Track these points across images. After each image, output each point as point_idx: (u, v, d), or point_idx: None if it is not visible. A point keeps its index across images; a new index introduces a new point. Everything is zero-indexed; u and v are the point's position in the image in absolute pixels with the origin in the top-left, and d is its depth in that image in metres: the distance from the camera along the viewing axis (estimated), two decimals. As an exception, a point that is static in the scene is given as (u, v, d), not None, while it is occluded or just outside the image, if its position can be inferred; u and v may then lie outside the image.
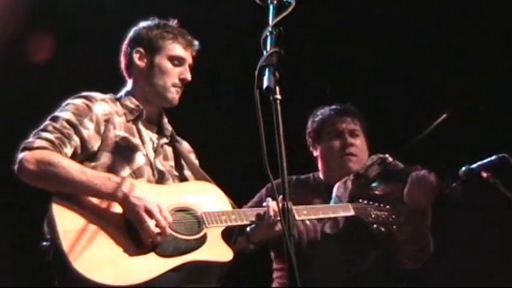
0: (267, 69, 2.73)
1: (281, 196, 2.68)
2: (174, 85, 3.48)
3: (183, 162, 3.58)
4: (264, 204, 3.49)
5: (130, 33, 3.57)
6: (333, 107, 4.29)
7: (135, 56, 3.50)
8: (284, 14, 2.82)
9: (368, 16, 5.50)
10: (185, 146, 3.69)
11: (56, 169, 3.14)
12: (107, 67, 5.15)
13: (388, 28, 5.51)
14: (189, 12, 3.60)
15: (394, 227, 3.82)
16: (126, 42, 3.57)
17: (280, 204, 2.68)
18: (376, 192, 3.97)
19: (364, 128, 4.27)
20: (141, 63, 3.50)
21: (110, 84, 3.60)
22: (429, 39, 5.48)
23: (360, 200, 3.83)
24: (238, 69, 3.47)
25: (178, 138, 3.66)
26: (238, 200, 3.61)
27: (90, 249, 3.05)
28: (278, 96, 2.72)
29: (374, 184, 3.97)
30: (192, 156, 3.68)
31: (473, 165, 3.94)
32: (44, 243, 3.13)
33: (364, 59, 5.57)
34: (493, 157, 3.89)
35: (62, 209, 3.11)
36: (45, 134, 3.24)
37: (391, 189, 3.98)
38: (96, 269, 3.01)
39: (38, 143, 3.20)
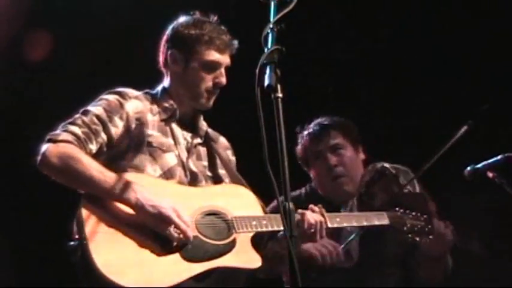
0: (268, 67, 2.69)
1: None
2: (207, 90, 3.41)
3: (218, 161, 3.51)
4: (299, 211, 3.39)
5: (169, 30, 3.50)
6: (310, 128, 4.12)
7: (170, 58, 3.45)
8: (285, 11, 2.78)
9: (371, 14, 5.49)
10: (222, 142, 3.62)
11: (76, 166, 3.09)
12: (106, 67, 5.24)
13: (391, 26, 5.51)
14: (189, 10, 3.54)
15: (430, 237, 3.71)
16: (164, 38, 3.50)
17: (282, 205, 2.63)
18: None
19: (349, 136, 4.10)
20: (175, 66, 3.45)
21: (110, 84, 3.55)
22: (436, 41, 5.46)
23: (397, 209, 3.71)
24: (238, 67, 3.42)
25: (216, 135, 3.60)
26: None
27: (116, 252, 3.01)
28: (279, 95, 2.68)
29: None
30: (229, 153, 3.62)
31: (479, 165, 3.91)
32: (71, 243, 3.09)
33: (367, 57, 5.55)
34: (499, 157, 3.87)
35: (90, 209, 3.07)
36: (72, 128, 3.20)
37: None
38: (122, 272, 2.97)
39: (64, 136, 3.16)
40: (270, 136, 2.62)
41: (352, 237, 3.80)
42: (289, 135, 2.69)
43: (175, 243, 3.08)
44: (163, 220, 3.07)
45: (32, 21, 5.03)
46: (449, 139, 3.92)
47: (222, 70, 3.42)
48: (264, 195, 3.35)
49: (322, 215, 3.42)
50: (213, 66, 3.40)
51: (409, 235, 3.68)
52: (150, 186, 3.15)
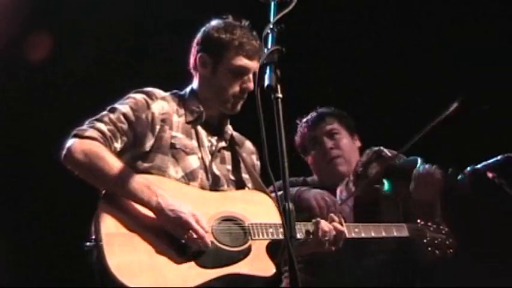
0: (268, 67, 2.69)
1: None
2: (234, 95, 3.40)
3: (241, 165, 3.50)
4: (313, 221, 3.41)
5: (200, 33, 3.49)
6: (308, 117, 4.25)
7: (199, 61, 3.45)
8: (285, 11, 2.78)
9: (370, 13, 5.49)
10: (247, 147, 3.62)
11: (100, 164, 3.10)
12: (106, 67, 5.24)
13: (391, 25, 5.49)
14: (189, 11, 3.54)
15: (451, 250, 3.74)
16: (195, 40, 3.51)
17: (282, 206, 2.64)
18: (383, 194, 3.92)
19: (344, 123, 4.21)
20: (204, 69, 3.44)
21: (110, 84, 3.55)
22: (432, 35, 5.47)
23: (418, 221, 3.75)
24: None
25: (242, 139, 3.60)
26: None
27: (131, 255, 3.01)
28: (279, 95, 2.68)
29: (379, 185, 3.90)
30: (254, 157, 3.61)
31: (479, 166, 3.90)
32: (88, 244, 3.09)
33: (367, 56, 5.55)
34: (499, 157, 3.86)
35: (108, 210, 3.07)
36: (98, 125, 3.20)
37: (397, 189, 3.92)
38: (134, 275, 2.97)
39: (90, 132, 3.17)
40: (270, 136, 2.62)
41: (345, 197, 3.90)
42: (289, 135, 2.69)
43: (192, 250, 3.08)
44: (182, 225, 3.07)
45: (32, 21, 5.04)
46: (440, 114, 3.91)
47: (250, 76, 3.41)
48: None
49: (341, 224, 3.45)
50: (241, 71, 3.39)
51: (429, 248, 3.71)
52: (170, 190, 3.16)
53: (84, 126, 3.21)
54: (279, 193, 2.68)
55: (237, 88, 3.40)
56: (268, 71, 2.69)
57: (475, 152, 4.10)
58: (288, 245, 2.56)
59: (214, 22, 3.49)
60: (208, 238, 3.11)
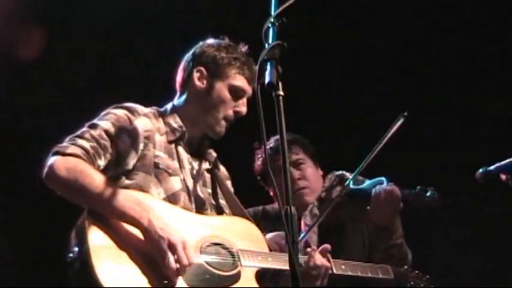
0: (268, 64, 2.58)
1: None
2: (225, 118, 3.32)
3: (218, 190, 3.42)
4: (308, 250, 3.39)
5: (196, 49, 3.41)
6: (269, 143, 4.00)
7: (196, 75, 3.34)
8: (287, 4, 2.67)
9: (371, 10, 5.46)
10: (222, 171, 3.53)
11: (86, 181, 2.96)
12: (106, 67, 5.20)
13: (391, 24, 5.46)
14: (189, 4, 3.45)
15: None
16: (189, 56, 3.41)
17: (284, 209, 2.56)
18: (344, 217, 3.89)
19: (309, 152, 4.15)
20: (199, 84, 3.34)
21: (110, 84, 3.47)
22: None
23: (401, 265, 3.77)
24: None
25: (218, 164, 3.50)
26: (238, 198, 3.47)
27: (119, 269, 2.89)
28: (281, 92, 2.57)
29: (340, 209, 3.84)
30: (228, 183, 3.52)
31: (491, 167, 3.80)
32: (70, 255, 2.96)
33: (369, 52, 5.52)
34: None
35: (95, 223, 2.95)
36: (81, 141, 3.07)
37: (357, 212, 3.88)
38: None
39: (72, 149, 3.04)
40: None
41: (307, 231, 3.83)
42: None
43: (167, 277, 2.95)
44: (169, 247, 2.95)
45: (30, 21, 5.01)
46: (385, 132, 3.91)
47: (245, 100, 3.34)
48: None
49: (329, 261, 3.41)
50: (239, 93, 3.33)
51: None
52: (159, 210, 3.05)
53: (65, 143, 3.08)
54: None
55: (230, 110, 3.32)
56: (269, 67, 2.57)
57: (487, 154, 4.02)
58: (288, 249, 2.47)
59: (211, 41, 3.42)
60: (198, 259, 3.03)
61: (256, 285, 3.14)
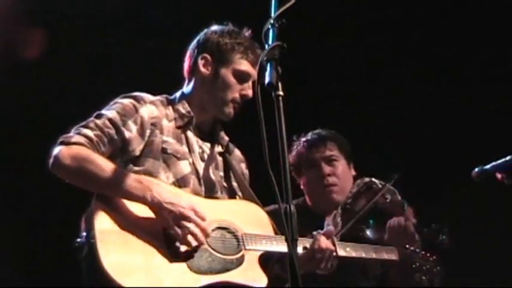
0: (268, 64, 2.62)
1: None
2: (233, 100, 3.38)
3: (231, 173, 3.48)
4: (314, 233, 3.42)
5: (200, 36, 3.47)
6: (307, 137, 4.19)
7: (201, 62, 3.41)
8: (287, 5, 2.71)
9: (371, 11, 5.47)
10: (237, 154, 3.60)
11: (90, 167, 3.06)
12: (106, 68, 5.22)
13: (392, 26, 5.48)
14: (188, 5, 3.49)
15: (438, 278, 3.78)
16: (194, 44, 3.47)
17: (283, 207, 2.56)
18: (366, 236, 3.90)
19: (344, 151, 4.18)
20: (205, 71, 3.40)
21: (109, 84, 3.50)
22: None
23: (407, 246, 3.77)
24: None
25: (232, 147, 3.58)
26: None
27: (124, 253, 2.97)
28: (280, 93, 2.61)
29: (364, 226, 3.89)
30: (243, 166, 3.60)
31: (487, 166, 3.83)
32: (78, 240, 3.05)
33: (368, 53, 5.55)
34: (508, 157, 3.79)
35: (103, 208, 3.04)
36: (85, 131, 3.16)
37: (380, 233, 3.89)
38: (127, 274, 2.93)
39: (76, 138, 3.13)
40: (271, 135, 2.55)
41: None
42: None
43: (183, 249, 3.04)
44: (181, 219, 3.03)
45: (30, 21, 5.04)
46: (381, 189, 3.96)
47: (250, 83, 3.40)
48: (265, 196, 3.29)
49: (333, 244, 3.44)
50: (244, 77, 3.39)
51: (417, 274, 3.74)
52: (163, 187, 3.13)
53: (70, 133, 3.17)
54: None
55: (236, 93, 3.38)
56: (268, 68, 2.61)
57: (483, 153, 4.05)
58: (288, 246, 2.50)
59: (215, 27, 3.48)
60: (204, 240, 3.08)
61: (259, 269, 3.19)
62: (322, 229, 3.87)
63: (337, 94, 5.59)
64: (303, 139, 4.21)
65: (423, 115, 5.47)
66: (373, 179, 4.02)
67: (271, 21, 2.68)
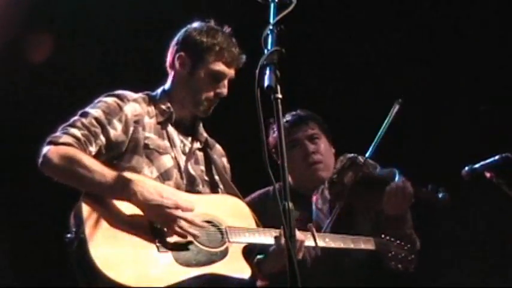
0: (268, 68, 2.70)
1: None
2: (207, 99, 3.45)
3: (213, 167, 3.56)
4: (309, 224, 3.51)
5: (181, 33, 3.53)
6: (286, 118, 4.17)
7: (178, 61, 3.48)
8: (285, 12, 2.79)
9: (370, 14, 5.51)
10: (218, 149, 3.68)
11: (77, 167, 3.13)
12: (105, 66, 5.25)
13: (389, 26, 5.53)
14: (189, 11, 3.55)
15: (412, 266, 3.86)
16: (175, 40, 3.54)
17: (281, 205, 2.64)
18: (356, 203, 3.97)
19: (324, 129, 4.22)
20: (181, 70, 3.48)
21: (110, 84, 3.56)
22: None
23: (383, 236, 3.83)
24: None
25: (212, 142, 3.65)
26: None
27: (113, 247, 3.05)
28: (279, 95, 2.70)
29: (353, 195, 3.94)
30: (224, 160, 3.68)
31: (476, 165, 3.91)
32: (68, 235, 3.12)
33: (367, 56, 5.58)
34: (497, 157, 3.87)
35: (91, 204, 3.11)
36: (72, 130, 3.23)
37: (370, 200, 3.96)
38: (117, 267, 3.01)
39: (64, 138, 3.20)
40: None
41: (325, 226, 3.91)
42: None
43: (170, 242, 3.12)
44: (167, 214, 3.12)
45: (32, 22, 5.05)
46: (383, 121, 4.03)
47: (225, 82, 3.46)
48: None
49: (313, 235, 3.52)
50: (218, 77, 3.44)
51: (392, 262, 3.82)
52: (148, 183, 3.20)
53: (58, 133, 3.24)
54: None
55: (211, 92, 3.44)
56: (268, 71, 2.69)
57: (472, 152, 4.13)
58: (287, 244, 2.58)
59: (196, 24, 3.52)
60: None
61: (243, 260, 3.27)
62: (308, 208, 4.04)
63: (336, 94, 5.62)
64: (284, 119, 4.14)
65: (412, 115, 5.50)
66: (356, 155, 4.05)
67: (270, 27, 2.76)
